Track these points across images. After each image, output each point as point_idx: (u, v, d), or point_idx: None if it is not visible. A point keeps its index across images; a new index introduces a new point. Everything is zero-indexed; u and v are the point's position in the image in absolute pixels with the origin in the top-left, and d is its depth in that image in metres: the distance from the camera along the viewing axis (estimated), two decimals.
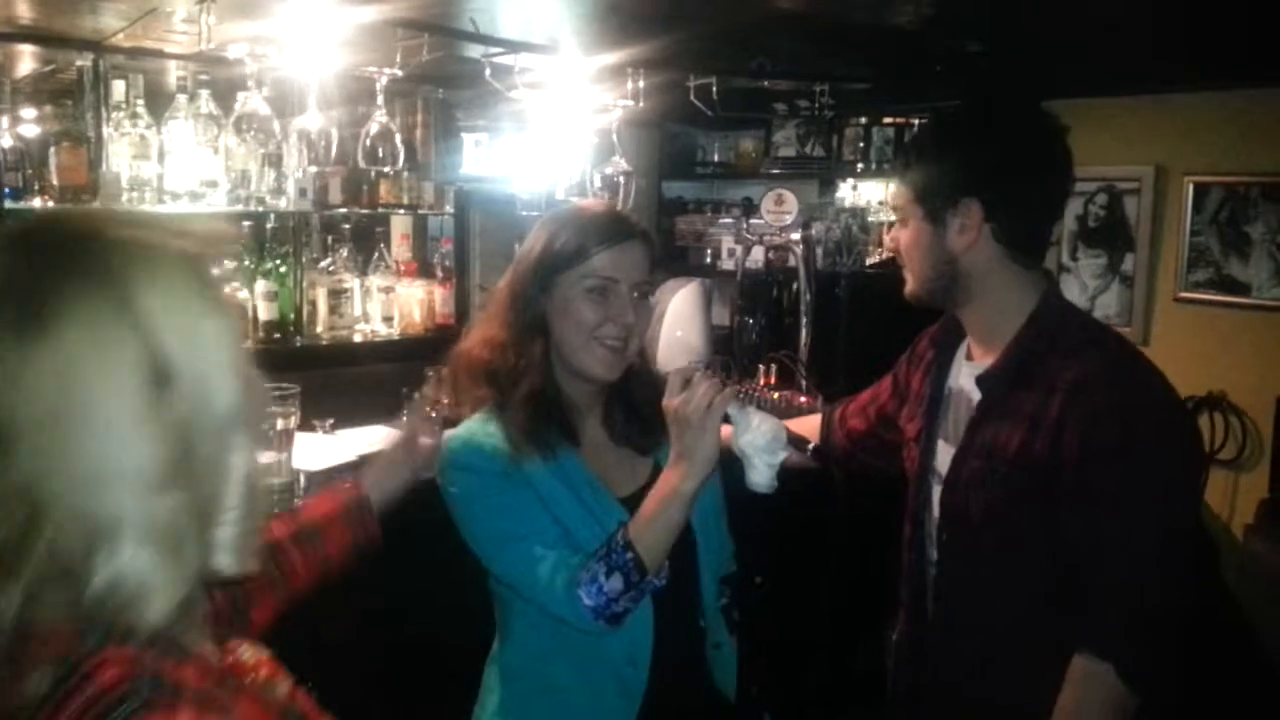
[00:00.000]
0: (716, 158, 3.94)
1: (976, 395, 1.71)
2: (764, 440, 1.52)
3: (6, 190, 2.77)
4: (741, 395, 1.62)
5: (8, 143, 2.76)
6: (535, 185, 3.10)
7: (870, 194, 4.08)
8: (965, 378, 1.76)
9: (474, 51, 2.44)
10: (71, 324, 0.76)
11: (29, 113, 2.91)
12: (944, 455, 1.76)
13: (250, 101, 2.26)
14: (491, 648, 1.78)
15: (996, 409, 1.66)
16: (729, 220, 3.89)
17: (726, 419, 1.52)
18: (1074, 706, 1.53)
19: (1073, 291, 3.50)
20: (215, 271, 0.87)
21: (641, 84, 2.67)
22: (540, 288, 1.66)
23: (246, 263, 3.25)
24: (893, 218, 3.73)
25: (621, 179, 2.86)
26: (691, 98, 2.82)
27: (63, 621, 0.75)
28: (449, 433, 1.68)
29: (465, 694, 1.77)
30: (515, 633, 1.72)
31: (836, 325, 2.95)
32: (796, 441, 1.63)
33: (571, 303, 1.63)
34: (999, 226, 1.65)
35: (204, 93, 3.05)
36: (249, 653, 0.99)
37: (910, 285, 1.78)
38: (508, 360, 1.67)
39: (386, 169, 2.55)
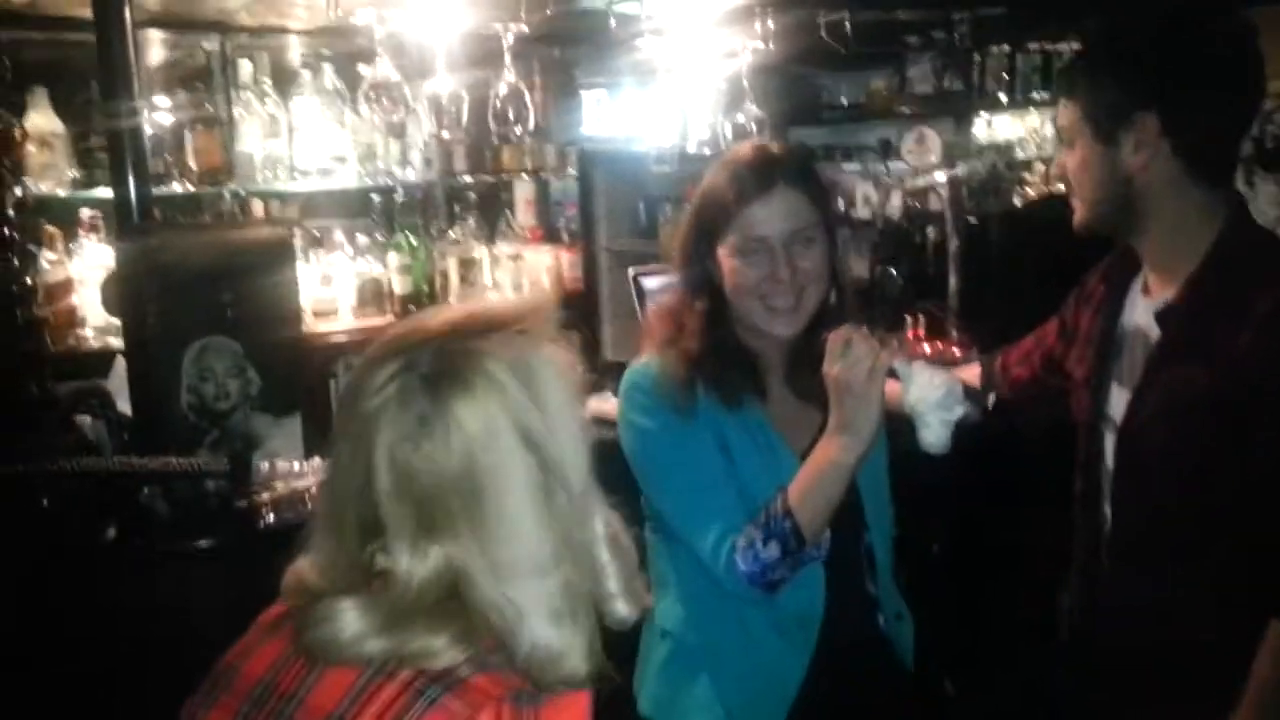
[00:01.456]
0: (845, 100, 3.81)
1: (1156, 333, 1.60)
2: (937, 396, 1.45)
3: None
4: (905, 352, 1.54)
5: (146, 130, 2.84)
6: (664, 140, 3.04)
7: (1008, 130, 3.88)
8: (1142, 314, 1.65)
9: (598, 1, 2.39)
10: (472, 438, 0.92)
11: (162, 100, 3.00)
12: (1118, 400, 1.65)
13: (380, 68, 2.27)
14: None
15: (1179, 347, 1.55)
16: (855, 166, 3.75)
17: (894, 375, 1.46)
18: (1274, 676, 1.42)
19: None
20: (550, 353, 1.00)
21: (771, 25, 2.58)
22: (702, 250, 1.64)
23: (378, 236, 3.32)
24: (1041, 154, 3.52)
25: (754, 127, 2.78)
26: (823, 34, 2.72)
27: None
28: (636, 361, 1.68)
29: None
30: (676, 586, 1.72)
31: (988, 271, 2.83)
32: (974, 396, 1.53)
33: (730, 268, 1.61)
34: (1178, 142, 1.52)
35: (327, 68, 3.10)
36: None
37: (1080, 213, 1.67)
38: (674, 318, 1.67)
39: (517, 130, 2.51)
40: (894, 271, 3.00)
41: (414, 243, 3.33)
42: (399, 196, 3.35)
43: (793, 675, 1.63)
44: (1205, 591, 1.55)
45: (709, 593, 1.61)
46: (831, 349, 1.46)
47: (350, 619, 0.92)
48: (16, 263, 2.02)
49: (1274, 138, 3.10)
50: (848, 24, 2.61)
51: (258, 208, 3.22)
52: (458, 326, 0.99)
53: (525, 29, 2.32)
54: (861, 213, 3.40)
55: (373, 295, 3.25)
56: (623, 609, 1.02)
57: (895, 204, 3.28)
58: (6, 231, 2.01)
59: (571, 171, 3.62)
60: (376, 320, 3.18)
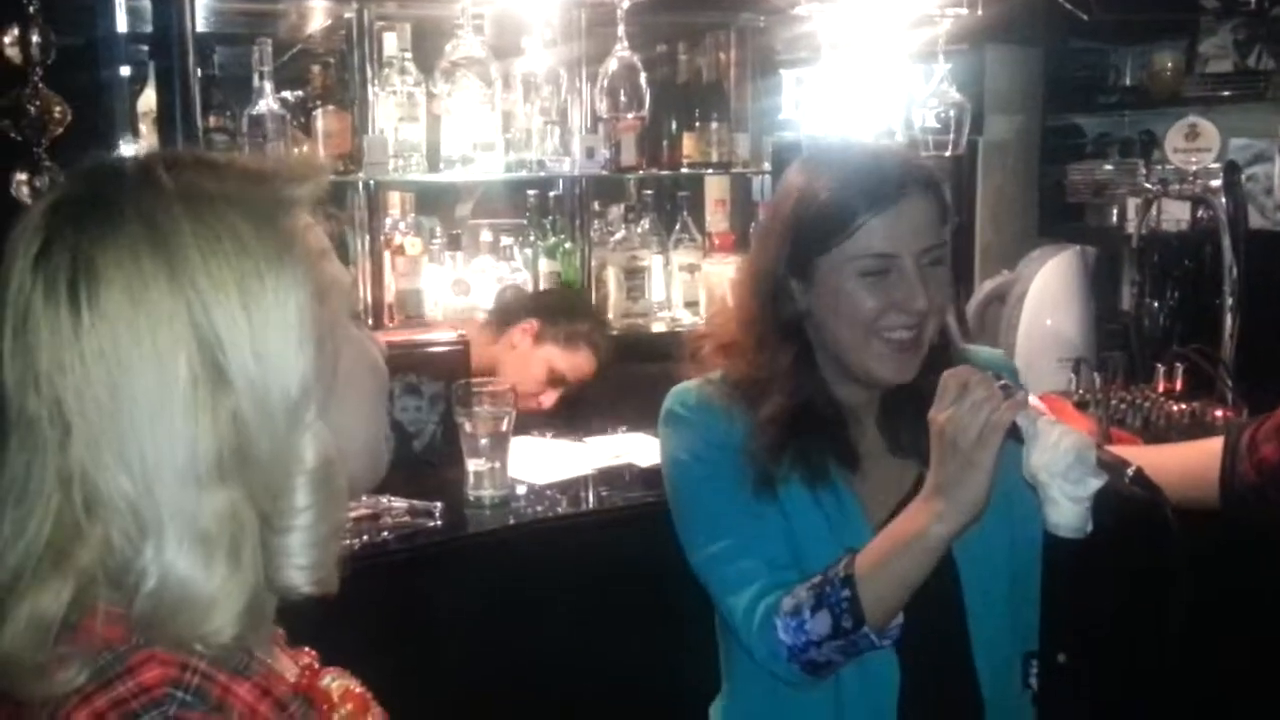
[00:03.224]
0: (1128, 81, 3.53)
1: None
2: (1064, 464, 1.34)
3: None
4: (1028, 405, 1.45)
5: (271, 108, 3.02)
6: (859, 130, 2.94)
7: None
8: None
9: None
10: (116, 299, 0.81)
11: (296, 77, 3.21)
12: None
13: (538, 52, 2.33)
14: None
15: None
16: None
17: (1018, 436, 1.36)
18: None
19: None
20: (303, 220, 0.90)
21: None
22: (794, 274, 1.58)
23: (533, 238, 3.40)
24: None
25: (953, 113, 2.64)
26: None
27: (117, 621, 0.82)
28: (680, 385, 1.69)
29: None
30: (736, 678, 1.72)
31: (1279, 310, 2.54)
32: (1111, 465, 1.41)
33: (842, 291, 1.55)
34: None
35: (477, 41, 3.19)
36: (336, 683, 1.02)
37: None
38: (750, 372, 1.62)
39: (629, 116, 2.52)
40: (1154, 305, 2.77)
41: (568, 246, 3.39)
42: (555, 191, 3.42)
43: None
44: None
45: (765, 692, 1.58)
46: (944, 391, 1.41)
47: None
48: None
49: None
50: None
51: (393, 200, 3.39)
52: (168, 160, 0.89)
53: None
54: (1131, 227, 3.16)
55: None
56: (296, 577, 0.87)
57: (1180, 216, 3.02)
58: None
59: (768, 165, 3.57)
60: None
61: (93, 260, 0.81)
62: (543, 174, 3.33)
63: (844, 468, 1.60)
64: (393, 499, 2.10)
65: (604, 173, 3.39)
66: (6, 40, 2.34)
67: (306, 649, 1.06)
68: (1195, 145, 2.62)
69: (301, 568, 0.87)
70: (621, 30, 2.80)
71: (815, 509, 1.58)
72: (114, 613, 0.82)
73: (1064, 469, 1.33)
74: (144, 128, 2.93)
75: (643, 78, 2.86)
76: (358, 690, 1.04)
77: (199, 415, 0.81)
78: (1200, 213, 2.90)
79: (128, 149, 2.68)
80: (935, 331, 1.59)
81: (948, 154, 2.83)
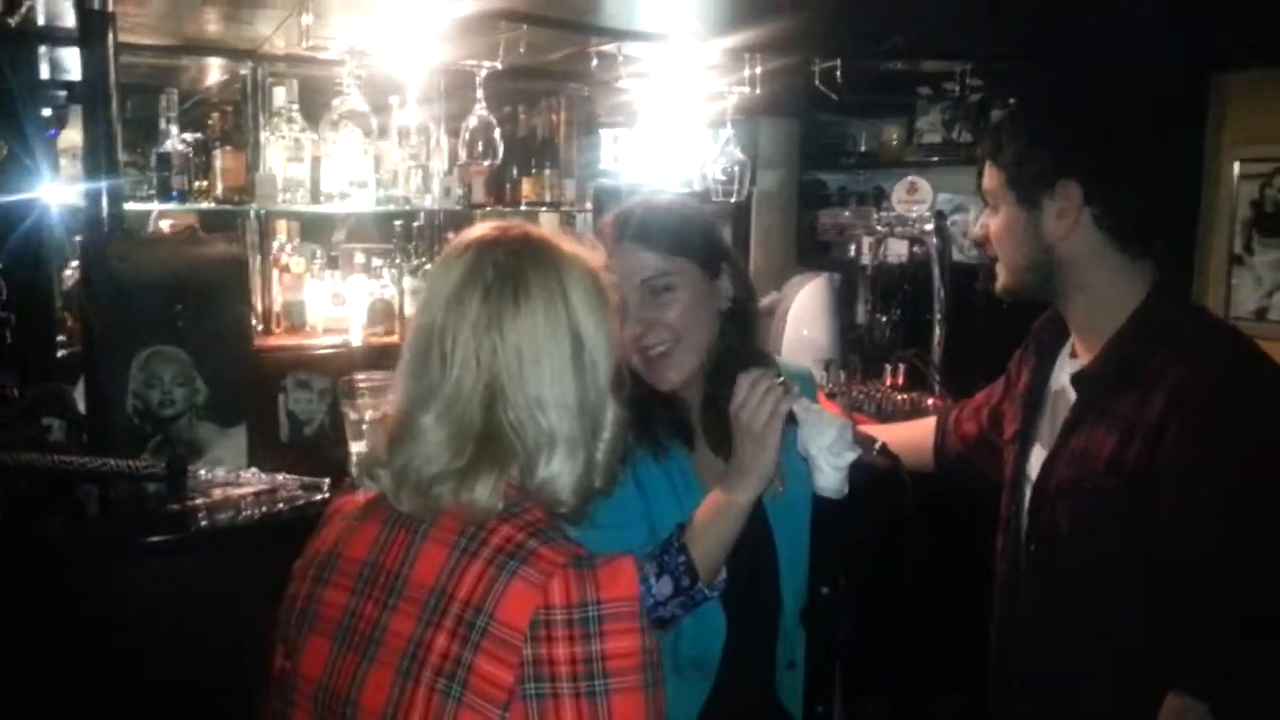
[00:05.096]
0: (863, 147, 3.73)
1: (1073, 396, 1.53)
2: (827, 440, 1.39)
3: (175, 193, 2.95)
4: (799, 395, 1.49)
5: (177, 148, 2.92)
6: (664, 180, 3.00)
7: None
8: (1066, 377, 1.59)
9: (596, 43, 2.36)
10: (535, 304, 1.11)
11: (196, 121, 3.08)
12: (1037, 461, 1.60)
13: (406, 108, 2.28)
14: None
15: (1092, 412, 1.50)
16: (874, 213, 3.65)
17: (794, 420, 1.41)
18: None
19: (1246, 287, 3.05)
20: (607, 280, 1.20)
21: (759, 70, 2.53)
22: None
23: (397, 260, 3.35)
24: None
25: (737, 169, 2.72)
26: (816, 82, 2.66)
27: (513, 486, 1.10)
28: None
29: None
30: None
31: (974, 322, 2.71)
32: (863, 441, 1.47)
33: None
34: (1101, 211, 1.48)
35: (353, 96, 3.12)
36: None
37: (1003, 278, 1.63)
38: None
39: (484, 163, 2.51)
40: (882, 319, 2.91)
41: (428, 267, 3.34)
42: (418, 222, 3.38)
43: (686, 716, 1.58)
44: (1110, 659, 1.47)
45: None
46: (739, 388, 1.44)
47: (428, 432, 1.09)
48: None
49: (1274, 202, 2.91)
50: (838, 73, 2.55)
51: (281, 227, 3.29)
52: (553, 233, 1.20)
53: (499, 66, 2.31)
54: (865, 259, 3.31)
55: (383, 315, 3.27)
56: (598, 478, 1.16)
57: (901, 252, 3.19)
58: None
59: (590, 206, 3.62)
60: (385, 339, 3.22)
61: (527, 281, 1.12)
62: (408, 207, 3.29)
63: (682, 443, 1.61)
64: (288, 476, 2.03)
65: (459, 208, 3.36)
66: None
67: None
68: (914, 198, 2.77)
69: (600, 472, 1.16)
70: (480, 94, 2.78)
71: (664, 479, 1.57)
72: (510, 481, 1.10)
73: (828, 444, 1.38)
74: (64, 161, 2.77)
75: (497, 133, 2.85)
76: None
77: (573, 374, 1.12)
78: (916, 249, 3.05)
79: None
80: (700, 344, 1.58)
81: (732, 200, 2.91)
